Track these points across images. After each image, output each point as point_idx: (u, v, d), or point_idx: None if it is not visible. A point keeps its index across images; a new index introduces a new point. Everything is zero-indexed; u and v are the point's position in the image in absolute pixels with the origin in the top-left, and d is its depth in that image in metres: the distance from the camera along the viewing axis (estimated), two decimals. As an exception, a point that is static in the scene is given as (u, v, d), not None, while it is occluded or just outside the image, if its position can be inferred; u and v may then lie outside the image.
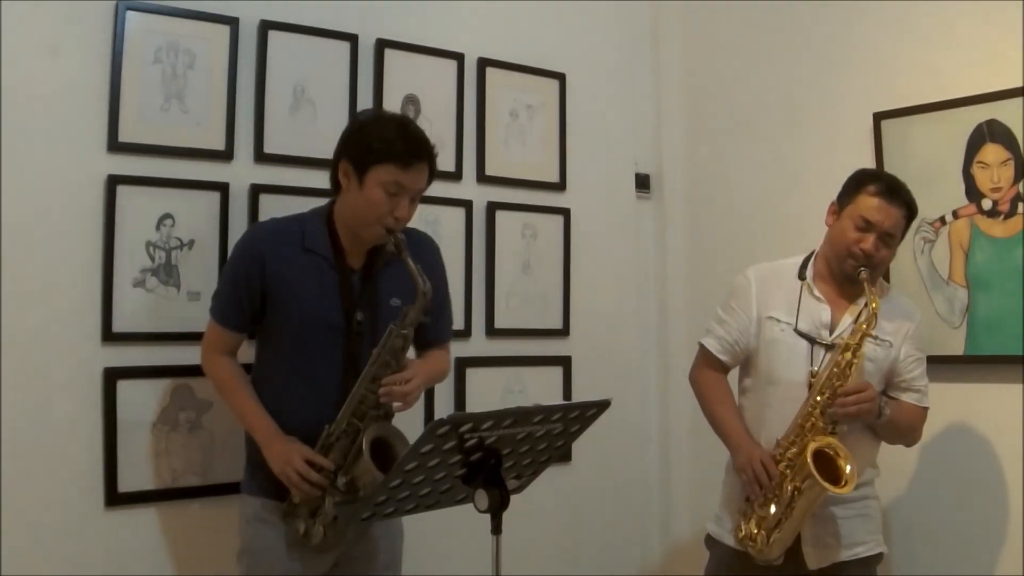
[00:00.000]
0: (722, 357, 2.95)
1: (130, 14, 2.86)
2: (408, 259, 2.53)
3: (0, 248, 2.67)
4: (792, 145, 3.76)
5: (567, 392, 3.71)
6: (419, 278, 2.52)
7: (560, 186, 3.78)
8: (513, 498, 2.17)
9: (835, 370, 2.69)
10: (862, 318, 2.71)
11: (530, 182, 3.70)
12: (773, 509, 2.70)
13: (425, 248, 2.80)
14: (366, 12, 3.32)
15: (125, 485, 2.82)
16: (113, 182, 2.83)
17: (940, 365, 3.25)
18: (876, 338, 2.75)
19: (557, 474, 3.61)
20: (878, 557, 2.84)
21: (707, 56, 4.10)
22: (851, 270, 2.76)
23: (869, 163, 3.46)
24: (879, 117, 3.44)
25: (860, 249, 2.75)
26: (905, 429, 2.86)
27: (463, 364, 3.47)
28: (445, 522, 2.79)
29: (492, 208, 3.58)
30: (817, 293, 2.84)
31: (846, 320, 2.80)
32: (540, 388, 3.64)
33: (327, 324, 2.63)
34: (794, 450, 2.69)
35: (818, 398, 2.69)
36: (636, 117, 4.08)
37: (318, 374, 2.63)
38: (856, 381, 2.69)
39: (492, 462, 2.16)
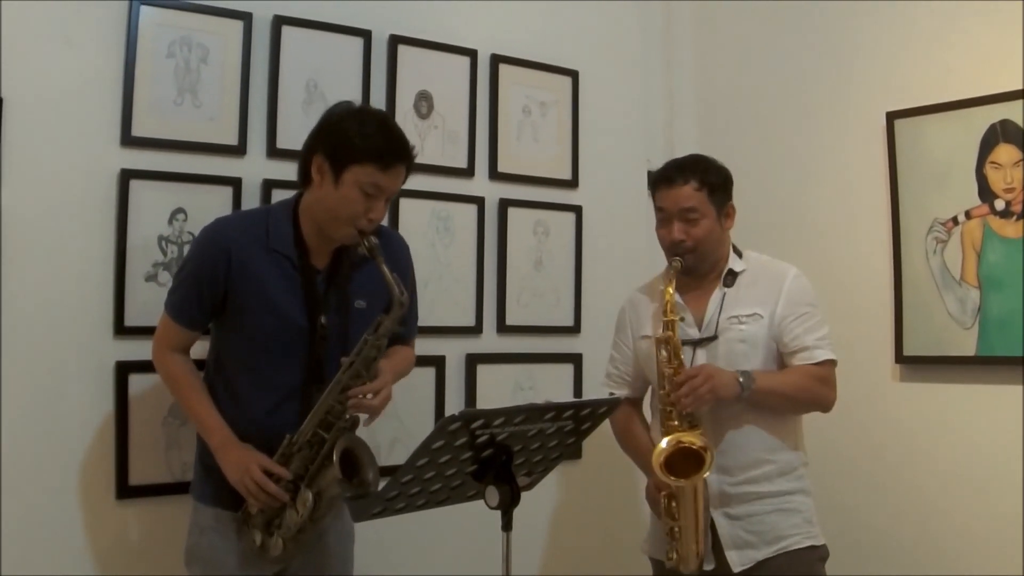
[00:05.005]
0: (621, 392, 2.95)
1: (144, 8, 2.87)
2: (384, 266, 2.41)
3: (12, 241, 2.67)
4: (805, 144, 3.76)
5: (578, 390, 3.71)
6: (396, 287, 2.41)
7: (572, 183, 3.78)
8: (524, 495, 2.17)
9: (665, 369, 2.67)
10: (667, 308, 2.69)
11: (542, 179, 3.69)
12: (669, 525, 2.65)
13: (396, 248, 2.69)
14: (379, 8, 3.32)
15: (136, 478, 2.83)
16: (126, 176, 2.84)
17: (951, 366, 3.24)
18: (738, 318, 2.73)
19: (568, 471, 3.62)
20: (811, 551, 2.71)
21: (720, 54, 4.10)
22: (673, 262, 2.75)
23: (882, 163, 3.46)
24: (892, 116, 3.43)
25: (669, 241, 2.78)
26: (798, 394, 2.72)
27: (474, 360, 3.47)
28: (456, 518, 2.78)
29: (504, 205, 3.58)
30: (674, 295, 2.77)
31: (711, 306, 2.77)
32: (551, 385, 3.63)
33: (290, 327, 2.51)
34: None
35: (668, 399, 2.65)
36: (649, 114, 4.07)
37: (278, 378, 2.52)
38: (688, 370, 2.65)
39: (503, 459, 2.17)
